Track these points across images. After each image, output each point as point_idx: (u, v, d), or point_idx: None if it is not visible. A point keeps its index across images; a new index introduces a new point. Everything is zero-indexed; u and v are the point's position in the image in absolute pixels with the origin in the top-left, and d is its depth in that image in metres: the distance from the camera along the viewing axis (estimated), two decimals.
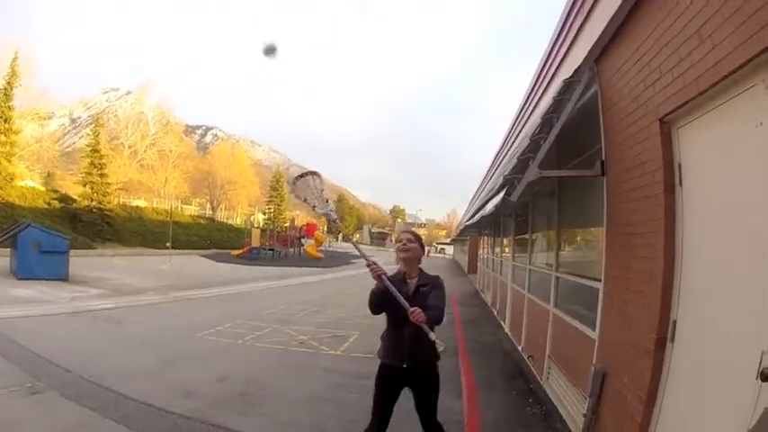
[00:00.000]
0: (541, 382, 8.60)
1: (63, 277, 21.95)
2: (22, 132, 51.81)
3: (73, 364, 9.00)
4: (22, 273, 21.24)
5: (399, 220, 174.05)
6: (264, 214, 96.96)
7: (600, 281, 5.80)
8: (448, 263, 74.50)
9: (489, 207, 8.89)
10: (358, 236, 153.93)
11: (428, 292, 4.59)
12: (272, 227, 66.89)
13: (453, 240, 79.41)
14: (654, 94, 4.30)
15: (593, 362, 5.68)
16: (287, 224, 75.14)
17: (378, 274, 4.41)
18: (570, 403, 6.77)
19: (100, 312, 15.02)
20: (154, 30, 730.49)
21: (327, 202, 5.05)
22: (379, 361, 4.84)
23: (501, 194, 6.80)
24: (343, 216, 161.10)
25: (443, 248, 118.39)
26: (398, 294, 4.37)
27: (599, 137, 5.92)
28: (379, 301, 4.50)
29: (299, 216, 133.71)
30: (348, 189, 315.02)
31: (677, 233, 4.09)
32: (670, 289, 4.11)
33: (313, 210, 4.98)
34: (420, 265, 4.86)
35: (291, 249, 58.36)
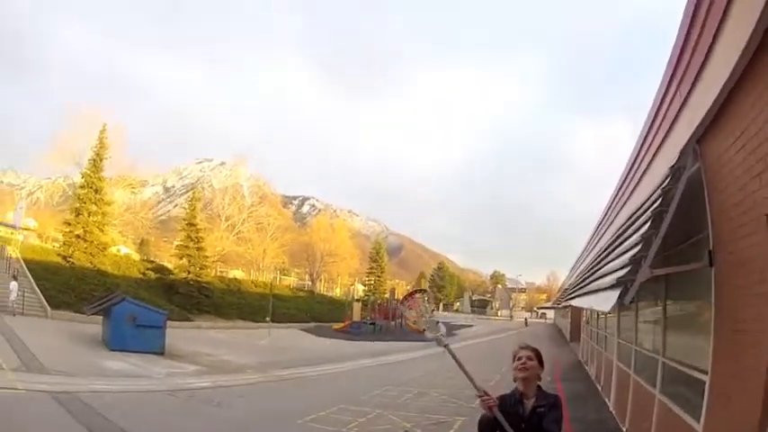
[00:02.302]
0: None
1: (159, 351, 22.09)
2: (114, 203, 53.65)
3: None
4: (115, 344, 21.41)
5: (499, 285, 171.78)
6: (364, 285, 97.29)
7: (706, 373, 5.55)
8: (549, 329, 72.91)
9: (597, 307, 8.68)
10: (458, 304, 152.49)
11: (545, 413, 4.30)
12: (372, 298, 66.69)
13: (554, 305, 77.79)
14: (760, 186, 4.14)
15: None
16: (386, 295, 75.06)
17: (488, 405, 4.22)
18: None
19: (198, 392, 15.16)
20: (248, 100, 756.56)
21: (438, 324, 4.89)
22: None
23: (611, 296, 6.60)
24: (444, 285, 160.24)
25: (545, 313, 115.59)
26: (507, 426, 4.15)
27: (704, 222, 5.74)
28: (488, 428, 4.30)
29: (399, 285, 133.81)
30: (445, 254, 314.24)
31: None
32: None
33: (422, 333, 4.88)
34: (539, 383, 4.53)
35: (392, 322, 57.30)
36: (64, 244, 42.61)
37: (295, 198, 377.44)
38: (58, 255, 41.45)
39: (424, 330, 4.83)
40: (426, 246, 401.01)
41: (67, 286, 35.61)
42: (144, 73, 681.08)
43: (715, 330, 5.38)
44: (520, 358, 4.48)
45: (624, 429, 10.81)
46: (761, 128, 4.04)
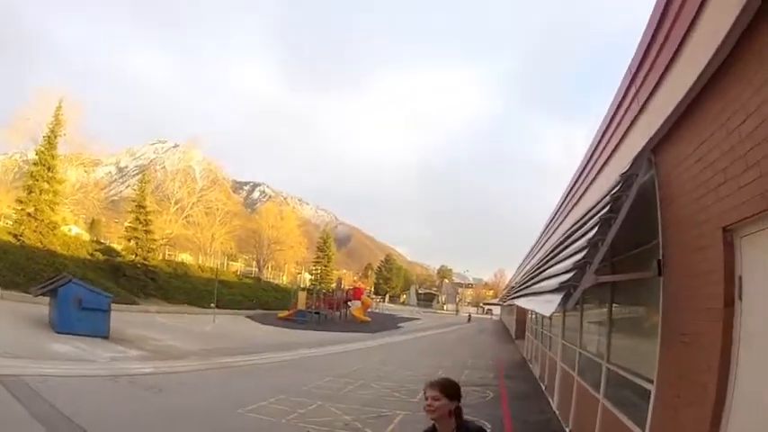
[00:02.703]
0: None
1: (103, 335, 21.83)
2: (67, 182, 53.07)
3: None
4: (61, 327, 21.12)
5: (446, 280, 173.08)
6: (311, 275, 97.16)
7: (652, 382, 5.57)
8: (495, 325, 73.87)
9: (539, 310, 8.65)
10: (405, 297, 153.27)
11: None
12: (318, 288, 66.62)
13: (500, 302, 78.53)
14: (717, 199, 4.13)
15: None
16: (333, 285, 75.03)
17: None
18: None
19: (140, 378, 14.92)
20: (205, 84, 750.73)
21: None
22: None
23: (554, 299, 6.55)
24: (391, 277, 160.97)
25: (490, 309, 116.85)
26: None
27: (655, 231, 5.75)
28: None
29: (346, 275, 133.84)
30: (394, 246, 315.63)
31: (733, 349, 3.88)
32: (722, 406, 3.90)
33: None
34: (461, 418, 4.40)
35: (338, 312, 57.68)
36: (15, 222, 41.95)
37: (246, 184, 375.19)
38: (9, 233, 40.62)
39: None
40: (375, 238, 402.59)
41: (18, 266, 35.07)
42: (103, 52, 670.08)
43: (662, 340, 5.39)
44: (426, 398, 4.11)
45: (568, 430, 10.88)
46: (721, 141, 4.02)
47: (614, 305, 8.36)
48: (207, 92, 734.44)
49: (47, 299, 24.07)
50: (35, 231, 40.58)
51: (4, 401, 10.18)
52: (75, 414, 9.85)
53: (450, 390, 4.14)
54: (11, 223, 44.07)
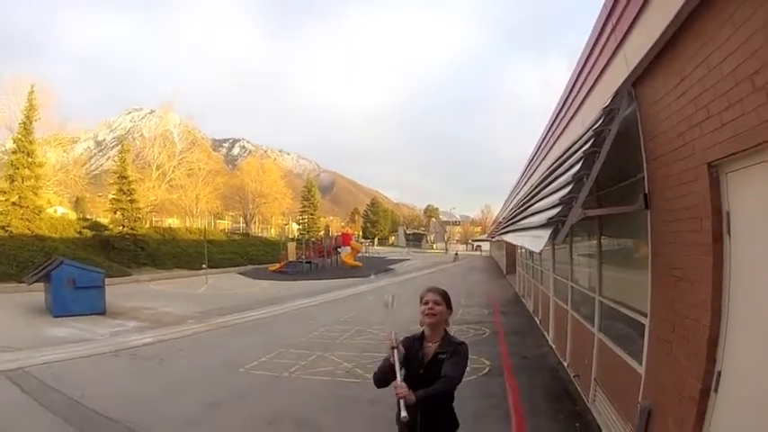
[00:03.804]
0: (588, 404, 8.49)
1: (100, 311, 21.82)
2: (47, 164, 52.48)
3: (118, 413, 8.94)
4: (58, 310, 21.06)
5: (433, 219, 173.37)
6: (299, 224, 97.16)
7: (646, 316, 5.65)
8: (485, 261, 74.15)
9: (529, 246, 8.65)
10: (393, 238, 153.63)
11: (447, 359, 4.13)
12: (307, 237, 66.68)
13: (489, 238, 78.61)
14: (701, 135, 4.12)
15: (640, 398, 5.59)
16: (321, 233, 75.14)
17: (391, 347, 4.07)
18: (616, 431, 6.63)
19: (140, 349, 14.99)
20: (171, 48, 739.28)
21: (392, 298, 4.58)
22: None
23: (543, 235, 6.54)
24: (377, 219, 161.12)
25: (480, 245, 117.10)
26: (398, 368, 3.96)
27: (639, 165, 5.76)
28: (381, 376, 4.18)
29: (333, 222, 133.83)
30: (379, 190, 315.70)
31: (724, 285, 3.94)
32: (716, 339, 3.99)
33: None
34: (447, 327, 4.39)
35: (329, 260, 57.34)
36: (0, 213, 40.97)
37: (225, 141, 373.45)
38: None
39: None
40: (359, 182, 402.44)
41: (8, 257, 34.76)
42: (62, 24, 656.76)
43: (653, 275, 5.44)
44: (427, 302, 4.32)
45: (566, 364, 11.03)
46: (704, 75, 3.98)
47: (603, 238, 8.41)
48: (173, 52, 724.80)
49: (41, 285, 23.90)
50: (21, 219, 40.18)
51: (10, 396, 10.13)
52: (82, 397, 9.89)
53: (447, 298, 4.37)
54: None
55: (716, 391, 3.98)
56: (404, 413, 3.71)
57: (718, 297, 3.97)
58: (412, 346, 4.30)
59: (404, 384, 3.84)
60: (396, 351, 4.07)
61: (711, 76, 3.88)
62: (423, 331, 4.38)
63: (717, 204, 4.00)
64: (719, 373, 3.95)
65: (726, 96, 3.64)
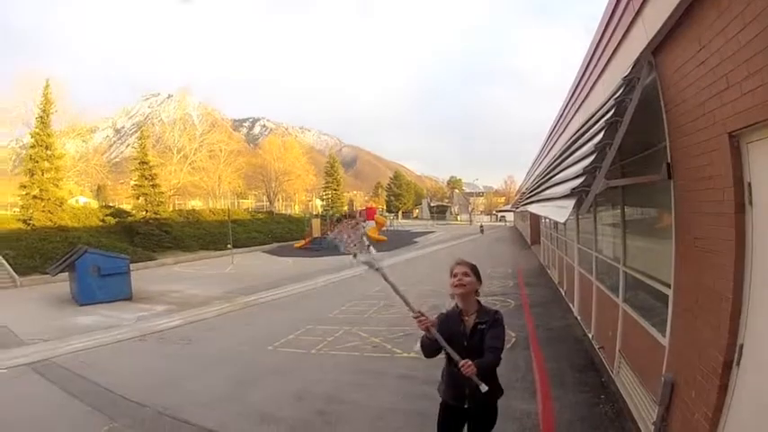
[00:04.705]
0: (612, 375, 8.46)
1: (126, 297, 22.17)
2: (66, 155, 53.39)
3: (148, 397, 9.09)
4: (84, 298, 21.39)
5: (457, 190, 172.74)
6: (322, 200, 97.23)
7: (669, 287, 5.61)
8: (510, 231, 73.90)
9: (553, 216, 8.60)
10: (418, 211, 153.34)
11: (486, 329, 4.35)
12: (331, 213, 66.76)
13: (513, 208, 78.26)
14: (721, 104, 4.04)
15: (664, 370, 5.57)
16: (345, 208, 75.19)
17: (425, 326, 4.20)
18: (640, 403, 6.65)
19: (168, 332, 15.22)
20: (186, 30, 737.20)
21: (369, 247, 4.75)
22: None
23: (567, 205, 6.50)
24: (401, 193, 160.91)
25: (504, 216, 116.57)
26: (447, 346, 4.17)
27: (662, 134, 5.67)
28: (430, 349, 4.31)
29: (357, 196, 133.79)
30: (402, 163, 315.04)
31: (747, 256, 3.90)
32: (738, 313, 3.95)
33: (353, 258, 4.69)
34: (478, 298, 4.57)
35: None
36: (22, 207, 41.78)
37: (245, 120, 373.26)
38: (18, 219, 40.69)
39: (355, 256, 4.68)
40: (381, 156, 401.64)
41: (32, 250, 35.11)
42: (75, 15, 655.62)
43: (676, 246, 5.38)
44: (455, 275, 4.46)
45: (591, 335, 10.98)
46: (724, 44, 3.89)
47: (626, 207, 8.34)
48: (189, 35, 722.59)
49: (66, 275, 24.34)
50: (43, 211, 40.46)
51: (40, 388, 10.31)
52: (111, 384, 10.01)
53: (476, 270, 4.52)
54: (18, 210, 44.10)
55: (738, 364, 3.95)
56: (483, 386, 3.99)
57: (741, 269, 3.92)
58: (451, 320, 4.45)
59: (468, 360, 4.00)
60: (429, 328, 4.23)
61: (730, 46, 3.79)
62: (456, 305, 4.53)
63: (738, 174, 3.94)
64: (741, 347, 3.93)
65: (745, 66, 3.57)
